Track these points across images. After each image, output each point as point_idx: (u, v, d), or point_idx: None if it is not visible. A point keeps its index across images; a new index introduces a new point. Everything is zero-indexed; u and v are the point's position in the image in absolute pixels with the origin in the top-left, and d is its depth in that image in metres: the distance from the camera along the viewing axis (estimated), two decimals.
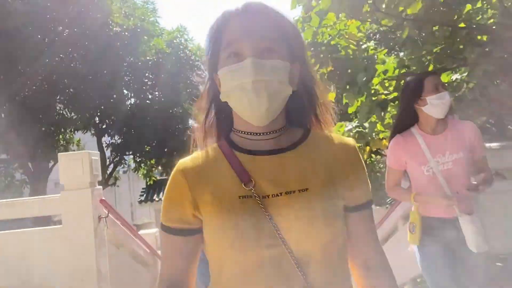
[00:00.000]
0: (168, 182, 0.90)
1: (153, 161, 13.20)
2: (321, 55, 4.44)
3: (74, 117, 11.53)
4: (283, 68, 0.82)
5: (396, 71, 4.00)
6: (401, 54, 4.71)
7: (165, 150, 12.70)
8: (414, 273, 3.62)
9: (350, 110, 4.68)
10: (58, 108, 11.37)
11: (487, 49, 3.04)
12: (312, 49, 4.40)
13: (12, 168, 11.03)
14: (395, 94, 4.11)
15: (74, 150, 12.28)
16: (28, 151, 10.62)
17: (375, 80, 4.12)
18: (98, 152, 3.54)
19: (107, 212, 3.42)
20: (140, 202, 14.52)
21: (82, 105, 10.84)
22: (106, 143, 12.75)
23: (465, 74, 4.18)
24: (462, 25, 3.64)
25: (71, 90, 10.99)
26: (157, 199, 13.98)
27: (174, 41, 12.69)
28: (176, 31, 12.94)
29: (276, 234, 0.79)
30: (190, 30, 13.50)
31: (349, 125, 4.68)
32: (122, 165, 13.69)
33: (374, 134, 4.49)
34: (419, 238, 2.10)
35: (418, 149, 2.11)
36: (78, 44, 10.41)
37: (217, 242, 0.83)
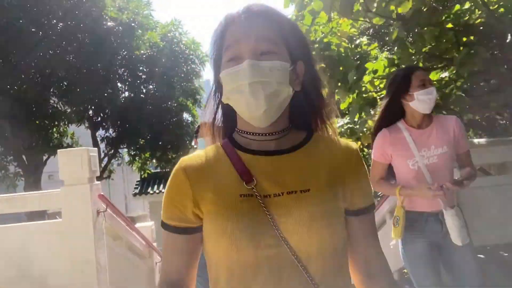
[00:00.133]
0: (170, 179, 0.89)
1: (147, 154, 13.21)
2: (314, 53, 4.54)
3: (68, 110, 11.52)
4: (282, 69, 0.82)
5: (387, 70, 4.10)
6: (394, 49, 4.81)
7: (160, 143, 12.73)
8: (401, 264, 3.77)
9: (342, 106, 4.81)
10: (52, 101, 11.35)
11: (472, 51, 3.14)
12: None
13: (6, 161, 11.02)
14: (385, 92, 4.21)
15: (68, 143, 12.28)
16: (22, 144, 10.64)
17: (366, 78, 4.23)
18: (96, 149, 3.62)
19: (105, 207, 3.53)
20: (135, 195, 14.55)
21: (76, 98, 10.81)
22: (101, 136, 12.76)
23: (454, 72, 4.29)
24: (449, 25, 3.75)
25: (65, 83, 10.96)
26: (151, 192, 14.02)
27: (169, 34, 12.65)
28: (171, 25, 12.88)
29: (277, 234, 0.79)
30: (184, 23, 13.36)
31: (340, 121, 4.80)
32: (116, 158, 13.72)
33: (365, 129, 4.61)
34: (402, 232, 2.10)
35: (404, 143, 2.11)
36: (72, 37, 10.37)
37: (216, 240, 0.83)
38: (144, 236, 4.86)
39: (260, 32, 0.83)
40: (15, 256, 3.37)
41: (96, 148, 3.95)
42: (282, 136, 0.88)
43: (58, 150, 3.38)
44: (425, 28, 3.62)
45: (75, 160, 3.27)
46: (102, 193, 3.51)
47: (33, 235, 3.45)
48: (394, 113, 2.19)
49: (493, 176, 4.31)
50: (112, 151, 12.93)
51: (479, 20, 4.03)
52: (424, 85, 2.07)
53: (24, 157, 10.99)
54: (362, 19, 4.18)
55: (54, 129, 11.80)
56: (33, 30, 9.68)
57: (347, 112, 5.07)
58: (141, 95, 12.50)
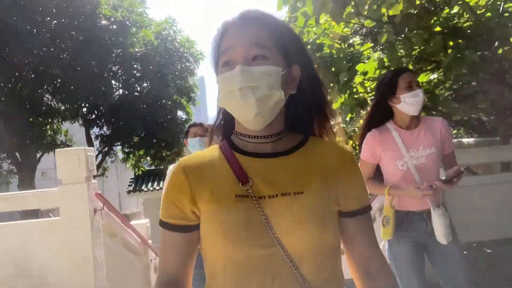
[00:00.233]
0: (169, 178, 0.92)
1: (141, 152, 13.25)
2: None
3: (62, 107, 11.51)
4: (274, 73, 0.83)
5: (377, 72, 4.20)
6: (385, 50, 4.91)
7: (154, 141, 12.78)
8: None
9: (334, 106, 4.92)
10: (45, 98, 11.33)
11: (459, 55, 3.25)
12: None
13: None
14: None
15: (62, 141, 12.26)
16: (15, 142, 10.63)
17: (357, 79, 4.33)
18: (93, 148, 3.69)
19: (102, 205, 3.60)
20: (129, 192, 14.59)
21: (70, 96, 10.82)
22: (95, 134, 12.76)
23: (442, 74, 4.41)
24: (437, 29, 3.85)
25: (59, 81, 10.95)
26: (145, 189, 14.07)
27: (163, 32, 12.69)
28: (165, 23, 12.92)
29: (270, 234, 0.81)
30: (179, 21, 13.35)
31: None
32: (110, 156, 13.73)
33: (356, 129, 4.72)
34: (393, 231, 2.11)
35: (393, 144, 2.12)
36: (66, 35, 10.36)
37: (212, 239, 0.85)
38: (139, 234, 4.92)
39: (253, 38, 0.85)
40: (13, 254, 3.43)
41: (93, 148, 4.01)
42: (278, 139, 0.90)
43: (56, 150, 3.45)
44: (414, 32, 3.72)
45: (72, 160, 3.34)
46: (99, 192, 3.58)
47: (31, 234, 3.51)
48: (382, 115, 2.21)
49: (480, 176, 4.44)
50: (106, 148, 12.95)
51: (466, 23, 4.14)
52: (411, 88, 2.08)
53: (17, 154, 10.97)
54: (354, 21, 4.27)
55: (48, 127, 11.80)
56: (27, 27, 9.64)
57: (339, 112, 5.19)
58: (135, 93, 12.53)
